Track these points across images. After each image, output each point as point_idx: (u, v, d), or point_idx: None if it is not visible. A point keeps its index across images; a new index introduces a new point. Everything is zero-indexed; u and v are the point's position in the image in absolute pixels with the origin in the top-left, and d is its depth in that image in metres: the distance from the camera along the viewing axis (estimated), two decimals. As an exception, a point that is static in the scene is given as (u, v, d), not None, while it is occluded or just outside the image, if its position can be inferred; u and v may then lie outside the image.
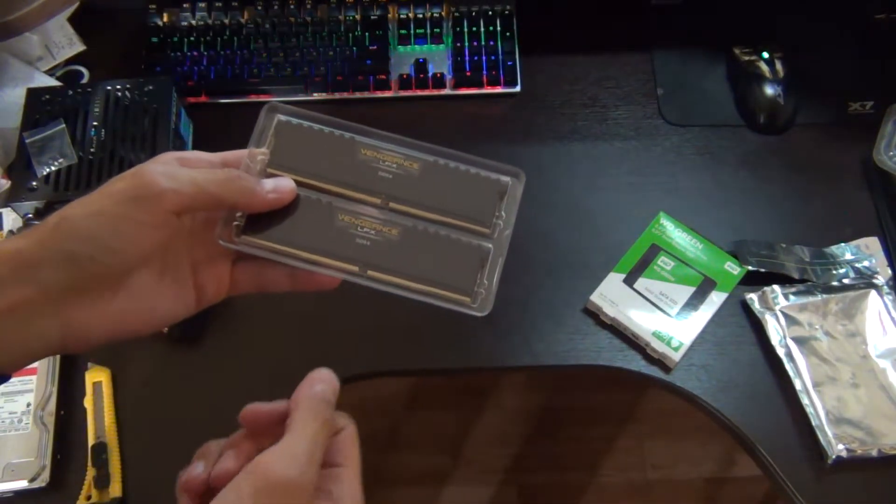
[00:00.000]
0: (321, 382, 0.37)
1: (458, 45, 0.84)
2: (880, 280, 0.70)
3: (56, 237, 0.34)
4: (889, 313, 0.69)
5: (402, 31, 0.85)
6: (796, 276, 0.70)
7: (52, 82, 0.82)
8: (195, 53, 0.83)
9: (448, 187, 0.41)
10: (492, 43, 0.84)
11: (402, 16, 0.86)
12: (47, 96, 0.74)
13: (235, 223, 0.39)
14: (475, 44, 0.84)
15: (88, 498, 0.64)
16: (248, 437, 0.37)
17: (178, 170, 0.36)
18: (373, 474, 1.39)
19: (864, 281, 0.70)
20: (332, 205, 0.40)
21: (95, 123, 0.72)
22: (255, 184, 0.38)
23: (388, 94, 0.82)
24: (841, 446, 0.63)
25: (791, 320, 0.68)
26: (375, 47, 0.84)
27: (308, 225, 0.39)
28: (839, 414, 0.64)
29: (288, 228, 0.39)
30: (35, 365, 0.68)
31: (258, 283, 0.41)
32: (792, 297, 0.69)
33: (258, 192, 0.38)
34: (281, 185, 0.39)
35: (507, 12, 0.85)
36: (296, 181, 0.40)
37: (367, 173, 0.41)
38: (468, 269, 0.40)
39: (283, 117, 0.42)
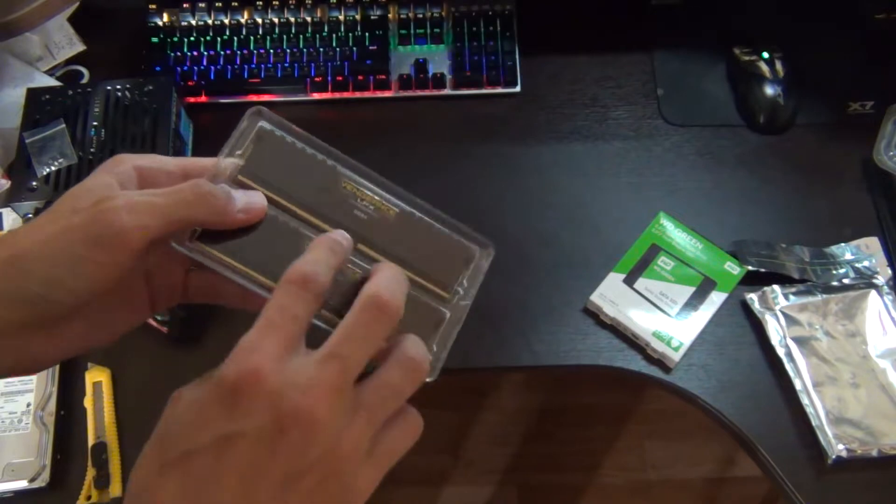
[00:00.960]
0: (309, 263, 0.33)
1: (458, 45, 0.84)
2: (880, 280, 0.70)
3: (9, 276, 0.32)
4: (889, 313, 0.69)
5: (402, 31, 0.85)
6: (796, 276, 0.70)
7: (52, 82, 0.82)
8: (195, 53, 0.83)
9: (419, 242, 0.39)
10: (492, 43, 0.84)
11: (402, 16, 0.86)
12: (47, 96, 0.74)
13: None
14: (475, 44, 0.84)
15: (88, 498, 0.64)
16: None
17: (139, 199, 0.33)
18: (373, 474, 1.39)
19: (864, 281, 0.70)
20: (298, 231, 0.37)
21: (95, 123, 0.72)
22: (225, 202, 0.34)
23: (388, 94, 0.82)
24: (841, 446, 0.63)
25: (791, 320, 0.68)
26: (375, 47, 0.84)
27: (269, 246, 0.36)
28: (839, 414, 0.64)
29: (247, 244, 0.36)
30: (35, 365, 0.68)
31: (212, 294, 0.39)
32: (792, 297, 0.69)
33: (228, 213, 0.35)
34: (252, 205, 0.36)
35: (507, 12, 0.85)
36: (267, 196, 0.37)
37: (343, 207, 0.38)
38: (422, 331, 0.37)
39: (266, 125, 0.38)
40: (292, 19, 0.85)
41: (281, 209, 0.37)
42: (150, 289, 0.38)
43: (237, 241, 0.36)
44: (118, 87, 0.74)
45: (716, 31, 0.86)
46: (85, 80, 0.84)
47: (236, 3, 0.85)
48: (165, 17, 0.85)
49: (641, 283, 0.71)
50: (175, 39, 0.84)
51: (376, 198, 0.40)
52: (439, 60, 0.84)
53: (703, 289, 0.70)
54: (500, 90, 0.82)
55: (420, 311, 0.38)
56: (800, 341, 0.68)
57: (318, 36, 0.84)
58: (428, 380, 0.36)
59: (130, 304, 0.37)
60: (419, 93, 0.82)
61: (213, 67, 0.83)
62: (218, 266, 0.36)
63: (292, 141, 0.39)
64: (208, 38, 0.84)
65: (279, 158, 0.38)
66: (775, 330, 0.68)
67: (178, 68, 0.83)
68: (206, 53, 0.83)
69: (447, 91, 0.82)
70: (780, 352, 0.68)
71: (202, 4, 0.85)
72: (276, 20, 0.85)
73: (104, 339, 0.36)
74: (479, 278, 0.41)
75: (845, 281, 0.71)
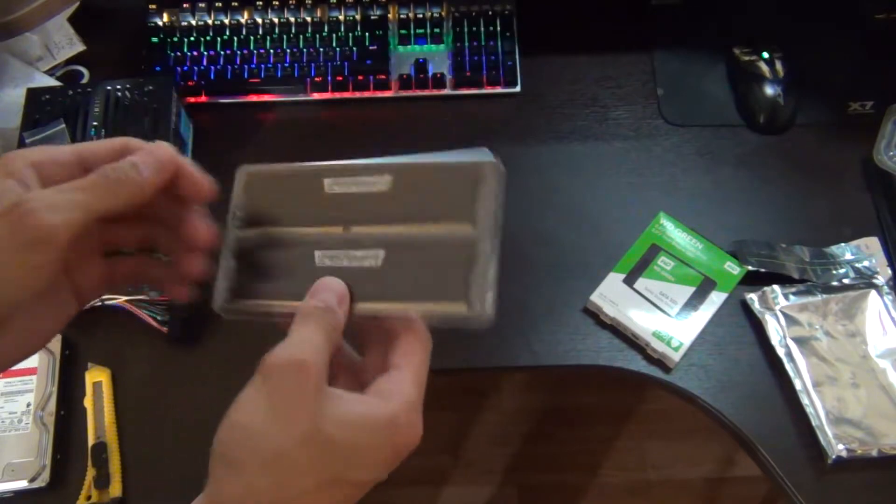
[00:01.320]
0: (325, 291, 0.36)
1: (458, 45, 0.84)
2: (880, 280, 0.70)
3: None
4: (889, 313, 0.69)
5: (402, 31, 0.85)
6: (796, 276, 0.70)
7: (52, 82, 0.82)
8: (195, 53, 0.83)
9: (420, 193, 0.38)
10: (492, 43, 0.84)
11: (402, 16, 0.86)
12: (47, 96, 0.74)
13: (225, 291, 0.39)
14: (475, 44, 0.84)
15: (88, 498, 0.64)
16: None
17: (56, 197, 0.32)
18: (373, 474, 1.39)
19: (864, 281, 0.70)
20: (310, 247, 0.38)
21: (95, 123, 0.72)
22: (136, 177, 0.34)
23: (388, 94, 0.82)
24: (841, 446, 0.63)
25: (791, 320, 0.68)
26: (375, 47, 0.84)
27: (291, 274, 0.38)
28: (839, 414, 0.64)
29: (272, 281, 0.38)
30: (35, 365, 0.68)
31: (138, 278, 0.40)
32: (792, 297, 0.69)
33: (144, 186, 0.34)
34: (160, 162, 0.35)
35: (507, 12, 0.85)
36: (269, 230, 0.39)
37: (338, 207, 0.38)
38: (457, 275, 0.35)
39: (249, 168, 0.40)
40: (292, 19, 0.85)
41: (284, 235, 0.39)
42: (73, 285, 0.37)
43: (265, 284, 0.38)
44: (118, 87, 0.74)
45: (716, 31, 0.86)
46: (85, 80, 0.84)
47: (236, 3, 0.85)
48: (165, 17, 0.85)
49: (641, 283, 0.71)
50: (175, 39, 0.84)
51: (365, 178, 0.39)
52: (439, 60, 0.84)
53: (703, 289, 0.70)
54: (500, 90, 0.82)
55: (448, 255, 0.36)
56: (800, 341, 0.68)
57: (318, 36, 0.84)
58: (485, 316, 0.35)
59: (57, 303, 0.37)
60: (419, 93, 0.82)
61: (213, 67, 0.83)
62: (261, 314, 0.38)
63: (276, 171, 0.40)
64: (208, 38, 0.84)
65: (268, 194, 0.40)
66: (775, 330, 0.68)
67: (178, 68, 0.83)
68: (206, 53, 0.83)
69: (447, 91, 0.82)
70: (780, 352, 0.68)
71: (202, 4, 0.85)
72: (276, 20, 0.85)
73: (37, 345, 0.36)
74: (494, 191, 0.37)
75: (845, 281, 0.71)
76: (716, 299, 0.70)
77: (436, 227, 0.37)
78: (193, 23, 0.85)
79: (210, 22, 0.85)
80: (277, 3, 0.85)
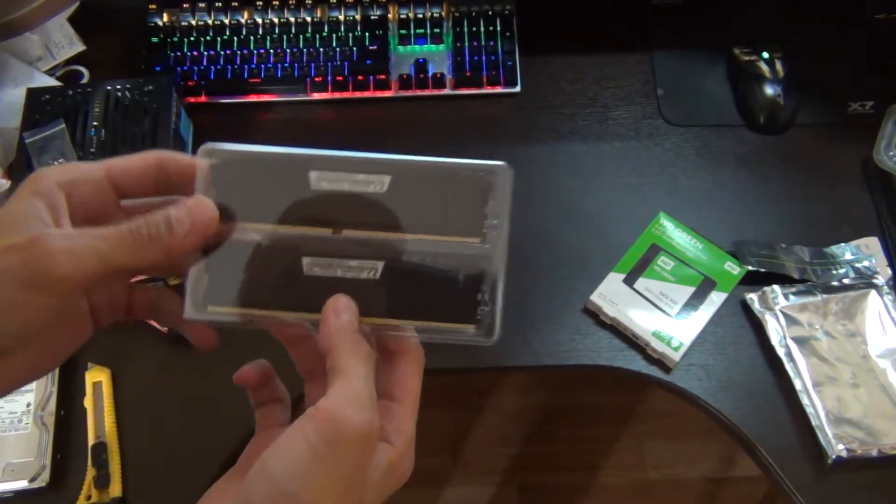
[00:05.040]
0: (346, 311, 0.33)
1: (458, 45, 0.84)
2: (880, 280, 0.70)
3: None
4: (889, 313, 0.69)
5: (402, 31, 0.85)
6: (796, 276, 0.70)
7: (52, 82, 0.82)
8: (195, 53, 0.83)
9: (423, 198, 0.34)
10: (492, 43, 0.84)
11: (402, 16, 0.86)
12: (47, 96, 0.74)
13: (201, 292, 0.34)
14: (475, 44, 0.84)
15: (88, 498, 0.64)
16: None
17: (79, 242, 0.31)
18: (373, 474, 1.39)
19: (864, 281, 0.70)
20: (295, 252, 0.34)
21: (95, 123, 0.72)
22: (168, 237, 0.32)
23: (388, 94, 0.82)
24: (841, 446, 0.63)
25: (791, 320, 0.68)
26: (375, 47, 0.84)
27: (275, 281, 0.34)
28: (839, 414, 0.64)
29: (254, 287, 0.34)
30: (35, 365, 0.68)
31: (154, 312, 0.38)
32: (792, 297, 0.69)
33: (173, 247, 0.32)
34: (197, 223, 0.33)
35: (507, 12, 0.85)
36: (245, 227, 0.34)
37: (323, 203, 0.34)
38: (464, 293, 0.33)
39: (217, 160, 0.34)
40: (292, 19, 0.85)
41: (262, 233, 0.34)
42: (92, 309, 0.36)
43: (244, 289, 0.34)
44: (118, 87, 0.74)
45: (716, 31, 0.86)
46: (85, 80, 0.84)
47: (236, 3, 0.85)
48: (165, 17, 0.85)
49: (641, 283, 0.71)
50: (175, 39, 0.84)
51: (359, 180, 0.35)
52: (439, 60, 0.84)
53: (703, 289, 0.70)
54: (500, 90, 0.82)
55: (455, 273, 0.34)
56: (800, 341, 0.68)
57: (318, 36, 0.84)
58: (492, 340, 0.33)
59: (73, 327, 0.35)
60: (419, 93, 0.82)
61: (213, 67, 0.83)
62: (239, 321, 0.34)
63: (250, 155, 0.35)
64: (208, 38, 0.84)
65: (241, 181, 0.34)
66: (775, 330, 0.68)
67: (178, 68, 0.83)
68: (206, 53, 0.83)
69: (447, 91, 0.82)
70: (780, 352, 0.68)
71: (202, 4, 0.85)
72: (276, 20, 0.85)
73: (50, 365, 0.35)
74: (507, 203, 0.34)
75: (845, 281, 0.71)
76: (716, 299, 0.70)
77: (440, 238, 0.34)
78: (193, 23, 0.85)
79: (210, 22, 0.85)
80: (277, 3, 0.85)
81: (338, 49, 0.84)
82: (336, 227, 0.34)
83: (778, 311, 0.69)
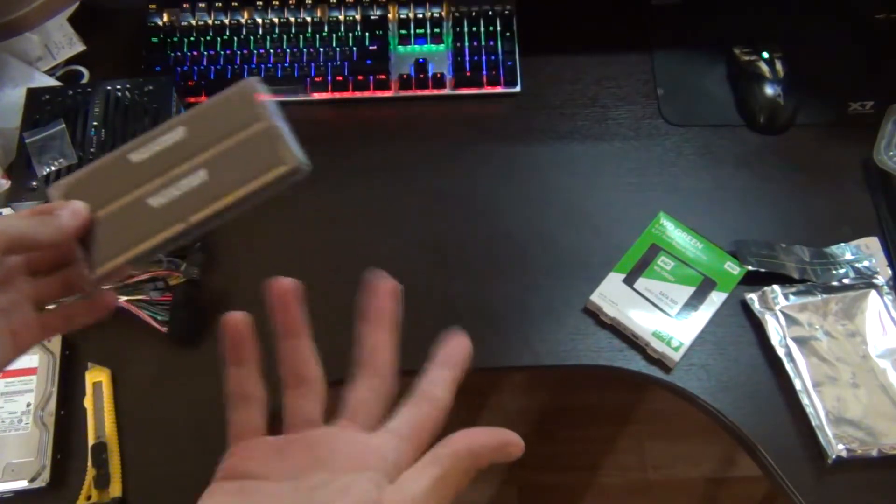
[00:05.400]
0: (493, 438, 0.37)
1: (458, 45, 0.84)
2: (880, 280, 0.70)
3: None
4: (889, 313, 0.69)
5: (402, 31, 0.85)
6: (796, 276, 0.70)
7: (52, 82, 0.82)
8: (195, 53, 0.83)
9: (211, 125, 0.45)
10: (492, 43, 0.84)
11: (402, 16, 0.86)
12: (47, 96, 0.74)
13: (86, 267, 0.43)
14: (475, 44, 0.84)
15: (88, 498, 0.64)
16: None
17: None
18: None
19: (864, 281, 0.70)
20: (142, 201, 0.43)
21: (95, 123, 0.72)
22: (56, 218, 0.40)
23: (388, 94, 0.82)
24: (841, 446, 0.63)
25: (791, 320, 0.68)
26: (375, 47, 0.84)
27: (136, 225, 0.43)
28: (839, 414, 0.64)
29: (125, 236, 0.43)
30: (35, 365, 0.68)
31: (69, 322, 0.44)
32: (792, 297, 0.69)
33: (61, 224, 0.40)
34: (74, 206, 0.41)
35: (507, 12, 0.85)
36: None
37: (148, 168, 0.44)
38: (268, 149, 0.43)
39: (61, 183, 0.44)
40: (292, 19, 0.85)
41: (116, 207, 0.44)
42: (10, 329, 0.40)
43: (118, 243, 0.43)
44: (118, 87, 0.74)
45: (716, 31, 0.86)
46: (85, 80, 0.84)
47: (236, 3, 0.85)
48: (165, 17, 0.85)
49: (641, 283, 0.71)
50: (175, 39, 0.84)
51: (162, 140, 0.44)
52: (439, 60, 0.84)
53: (703, 289, 0.70)
54: (500, 90, 0.82)
55: (257, 144, 0.44)
56: (800, 341, 0.68)
57: (318, 36, 0.84)
58: (305, 168, 0.42)
59: None
60: (419, 93, 0.82)
61: (213, 67, 0.83)
62: (129, 261, 0.42)
63: (84, 174, 0.45)
64: (208, 38, 0.84)
65: (88, 190, 0.44)
66: (775, 330, 0.68)
67: (178, 68, 0.83)
68: (206, 53, 0.83)
69: (447, 91, 0.82)
70: (780, 352, 0.68)
71: (202, 4, 0.85)
72: (276, 20, 0.85)
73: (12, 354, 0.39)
74: (268, 96, 0.45)
75: (845, 281, 0.71)
76: (716, 299, 0.70)
77: (238, 136, 0.44)
78: (193, 23, 0.85)
79: (210, 22, 0.85)
80: (277, 3, 0.85)
81: (338, 49, 0.84)
82: (162, 174, 0.44)
83: (778, 311, 0.69)
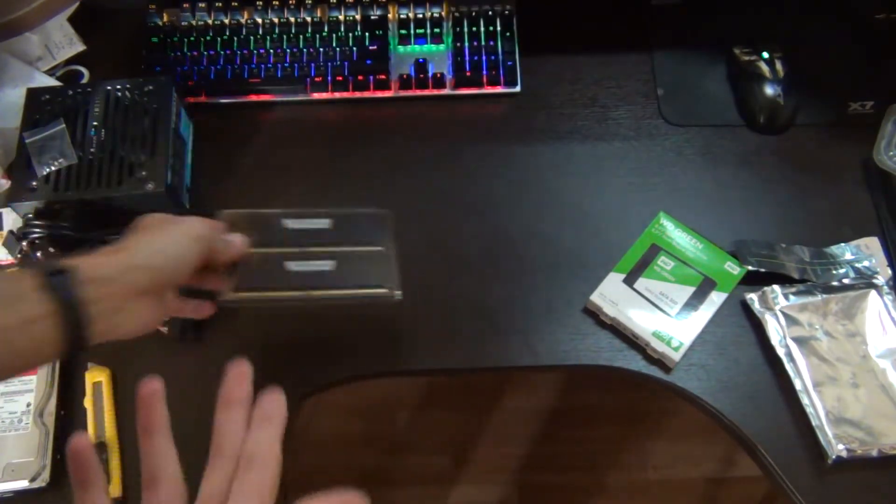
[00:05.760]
0: None
1: (458, 45, 0.84)
2: (880, 280, 0.70)
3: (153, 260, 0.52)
4: (889, 313, 0.69)
5: (402, 31, 0.85)
6: (796, 276, 0.71)
7: (52, 82, 0.82)
8: (195, 53, 0.83)
9: (351, 229, 0.61)
10: (492, 43, 0.84)
11: (402, 16, 0.86)
12: (47, 96, 0.74)
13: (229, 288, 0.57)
14: (475, 44, 0.84)
15: (88, 498, 0.64)
16: None
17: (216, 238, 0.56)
18: (374, 475, 1.39)
19: (864, 281, 0.70)
20: (280, 259, 0.58)
21: (95, 123, 0.72)
22: (226, 241, 0.56)
23: (388, 94, 0.82)
24: (841, 446, 0.63)
25: (791, 320, 0.68)
26: (375, 47, 0.84)
27: (271, 275, 0.58)
28: (839, 414, 0.64)
29: (260, 281, 0.57)
30: (35, 365, 0.68)
31: (185, 311, 0.59)
32: (792, 297, 0.69)
33: (232, 252, 0.56)
34: (240, 242, 0.57)
35: (507, 12, 0.85)
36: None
37: (293, 235, 0.59)
38: (379, 272, 0.59)
39: (229, 212, 0.60)
40: (292, 19, 0.85)
41: (262, 253, 0.58)
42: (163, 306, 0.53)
43: (253, 283, 0.57)
44: (118, 87, 0.74)
45: (716, 31, 0.86)
46: (85, 80, 0.84)
47: (236, 3, 0.85)
48: (165, 17, 0.85)
49: (641, 283, 0.71)
50: (175, 39, 0.84)
51: (312, 222, 0.60)
52: (439, 60, 0.84)
53: (703, 289, 0.70)
54: (500, 90, 0.82)
55: (373, 262, 0.60)
56: (800, 341, 0.68)
57: (318, 36, 0.84)
58: (397, 299, 0.59)
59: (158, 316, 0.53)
60: (419, 93, 0.82)
61: (213, 67, 0.83)
62: (252, 301, 0.57)
63: (248, 214, 0.60)
64: (208, 38, 0.84)
65: (245, 229, 0.58)
66: (775, 330, 0.68)
67: (178, 68, 0.83)
68: (206, 53, 0.83)
69: (447, 91, 0.82)
70: (780, 352, 0.68)
71: (202, 4, 0.85)
72: (276, 20, 0.85)
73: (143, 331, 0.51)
74: (393, 231, 0.62)
75: (845, 281, 0.71)
76: (716, 299, 0.70)
77: (363, 248, 0.60)
78: (193, 23, 0.85)
79: (210, 22, 0.85)
80: (277, 3, 0.85)
81: (338, 49, 0.84)
82: (302, 247, 0.58)
83: (778, 311, 0.69)
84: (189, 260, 0.52)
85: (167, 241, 0.51)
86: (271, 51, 0.83)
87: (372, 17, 0.85)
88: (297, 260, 0.57)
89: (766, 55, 0.81)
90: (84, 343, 0.45)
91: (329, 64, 0.83)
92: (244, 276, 0.56)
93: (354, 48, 0.84)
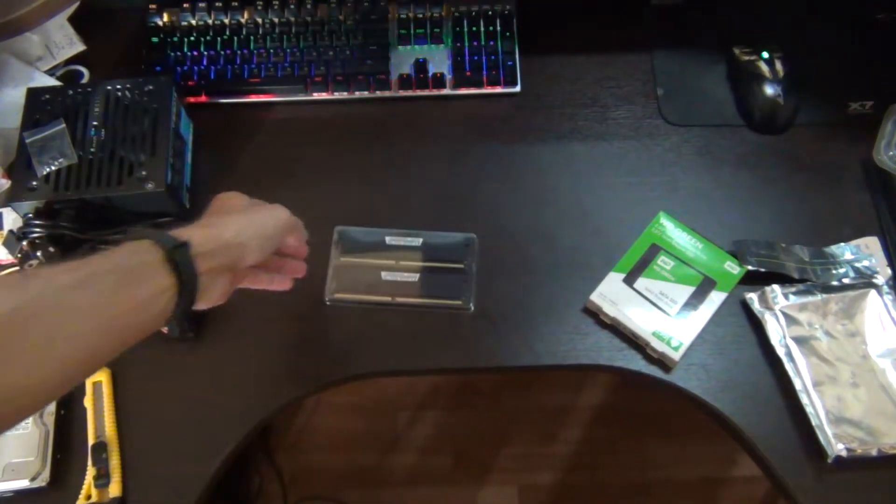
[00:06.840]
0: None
1: (458, 45, 0.84)
2: (880, 280, 0.70)
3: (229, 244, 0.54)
4: (889, 313, 0.69)
5: (402, 31, 0.85)
6: (796, 275, 0.71)
7: (52, 82, 0.82)
8: (195, 53, 0.83)
9: (437, 249, 0.73)
10: (492, 43, 0.84)
11: (402, 16, 0.86)
12: (47, 96, 0.74)
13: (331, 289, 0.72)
14: (475, 44, 0.84)
15: (88, 498, 0.64)
16: None
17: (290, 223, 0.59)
18: (373, 474, 1.39)
19: (864, 281, 0.70)
20: (378, 269, 0.73)
21: (95, 123, 0.72)
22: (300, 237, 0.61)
23: (388, 94, 0.82)
24: (841, 446, 0.63)
25: (791, 320, 0.68)
26: (375, 47, 0.84)
27: (368, 281, 0.72)
28: (839, 413, 0.64)
29: (359, 284, 0.72)
30: (35, 365, 0.68)
31: (256, 278, 0.59)
32: (792, 297, 0.69)
33: (301, 243, 0.61)
34: (304, 244, 0.62)
35: (507, 12, 0.85)
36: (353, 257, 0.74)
37: (392, 250, 0.74)
38: (457, 285, 0.72)
39: (342, 227, 0.75)
40: (292, 19, 0.85)
41: (364, 261, 0.73)
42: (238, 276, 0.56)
43: (353, 286, 0.72)
44: (118, 87, 0.74)
45: (716, 31, 0.86)
46: (85, 80, 0.84)
47: (236, 3, 0.85)
48: (165, 17, 0.85)
49: (641, 283, 0.71)
50: (175, 39, 0.84)
51: (407, 241, 0.74)
52: (439, 60, 0.84)
53: (703, 288, 0.70)
54: (500, 90, 0.82)
55: (453, 277, 0.72)
56: (800, 341, 0.68)
57: (318, 36, 0.84)
58: (470, 311, 0.71)
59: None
60: (419, 93, 0.82)
61: (213, 67, 0.83)
62: (352, 302, 0.72)
63: (357, 230, 0.75)
64: (208, 38, 0.84)
65: (354, 241, 0.74)
66: (775, 330, 0.68)
67: (178, 68, 0.83)
68: (206, 53, 0.83)
69: (447, 91, 0.82)
70: (780, 351, 0.68)
71: (202, 4, 0.85)
72: (276, 20, 0.85)
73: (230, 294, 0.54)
74: (476, 252, 0.74)
75: (845, 281, 0.71)
76: (716, 299, 0.70)
77: (447, 264, 0.73)
78: (193, 23, 0.85)
79: (210, 22, 0.85)
80: (277, 3, 0.85)
81: (338, 49, 0.84)
82: (397, 260, 0.72)
83: (778, 311, 0.69)
84: (273, 243, 0.56)
85: (257, 224, 0.54)
86: (271, 51, 0.83)
87: (372, 17, 0.85)
88: (389, 270, 0.71)
89: (766, 55, 0.81)
90: (187, 312, 0.48)
91: (329, 64, 0.83)
92: (342, 277, 0.71)
93: (354, 48, 0.84)
